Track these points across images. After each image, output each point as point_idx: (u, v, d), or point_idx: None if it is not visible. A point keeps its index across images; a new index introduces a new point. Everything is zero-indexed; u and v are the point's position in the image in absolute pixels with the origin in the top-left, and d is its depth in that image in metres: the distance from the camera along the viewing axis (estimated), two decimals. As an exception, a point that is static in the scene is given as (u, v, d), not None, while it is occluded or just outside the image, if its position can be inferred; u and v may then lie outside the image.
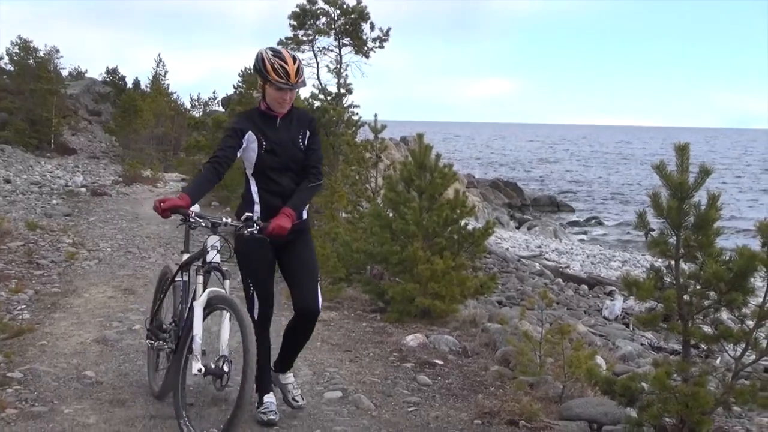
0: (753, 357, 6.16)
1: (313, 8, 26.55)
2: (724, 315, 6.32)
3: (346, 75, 24.54)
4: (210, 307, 5.88)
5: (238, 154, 6.18)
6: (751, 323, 6.07)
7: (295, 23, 27.72)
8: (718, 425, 7.02)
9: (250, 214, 6.06)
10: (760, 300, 6.04)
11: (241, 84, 30.53)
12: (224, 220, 5.96)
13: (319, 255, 10.99)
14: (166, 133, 43.70)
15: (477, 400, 7.31)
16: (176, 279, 6.74)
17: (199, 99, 52.71)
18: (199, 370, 5.63)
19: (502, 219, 43.15)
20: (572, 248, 34.51)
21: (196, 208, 6.06)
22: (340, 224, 13.85)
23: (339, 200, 13.22)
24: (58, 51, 43.87)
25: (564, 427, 6.76)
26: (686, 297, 6.24)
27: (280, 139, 6.25)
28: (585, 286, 22.68)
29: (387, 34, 27.26)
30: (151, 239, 17.60)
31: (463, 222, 11.59)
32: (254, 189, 6.34)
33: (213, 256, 5.98)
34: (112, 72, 58.01)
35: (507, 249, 28.82)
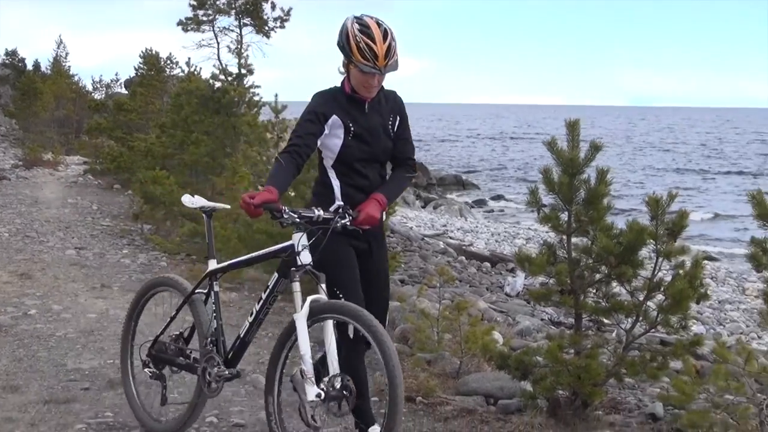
0: (644, 329, 6.32)
1: (214, -13, 26.44)
2: (623, 290, 6.43)
3: (247, 55, 24.42)
4: (313, 318, 4.93)
5: (319, 142, 5.27)
6: (642, 296, 6.23)
7: (195, 3, 27.51)
8: (611, 396, 7.16)
9: (341, 203, 5.23)
10: (650, 273, 6.19)
11: (142, 66, 30.20)
12: (316, 212, 5.01)
13: (220, 236, 10.94)
14: (68, 116, 42.79)
15: (374, 377, 7.33)
16: (198, 291, 5.90)
17: (101, 81, 51.91)
18: (318, 395, 4.76)
19: (408, 198, 43.18)
20: (477, 227, 34.69)
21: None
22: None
23: (240, 181, 13.09)
24: (-46, 33, 42.92)
25: (460, 402, 6.84)
26: (578, 271, 6.35)
27: (370, 125, 5.35)
28: (488, 264, 22.79)
29: (288, 14, 27.21)
30: (51, 223, 17.29)
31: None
32: (336, 183, 5.39)
33: (308, 258, 5.04)
34: (12, 54, 56.56)
35: (411, 228, 28.89)
